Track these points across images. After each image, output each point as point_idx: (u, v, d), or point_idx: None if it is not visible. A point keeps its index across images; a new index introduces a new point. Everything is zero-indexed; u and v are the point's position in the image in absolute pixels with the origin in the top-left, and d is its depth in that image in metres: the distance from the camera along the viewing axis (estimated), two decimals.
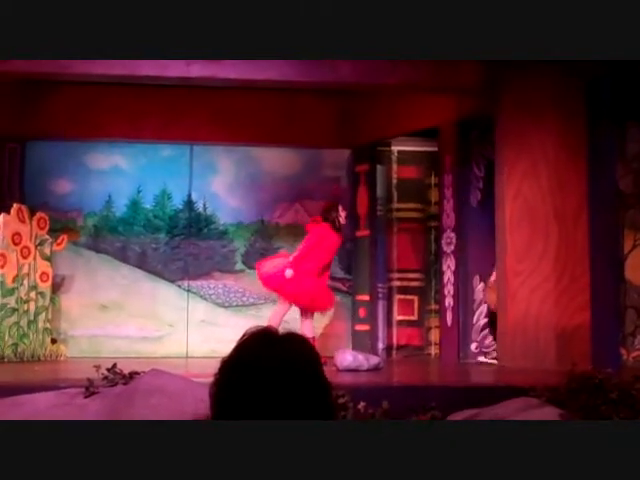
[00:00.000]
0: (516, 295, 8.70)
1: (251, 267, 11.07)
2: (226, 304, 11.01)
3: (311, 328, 9.03)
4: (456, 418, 5.59)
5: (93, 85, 9.97)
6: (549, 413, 5.30)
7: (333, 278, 11.15)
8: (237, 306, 11.04)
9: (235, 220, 11.12)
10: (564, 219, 8.70)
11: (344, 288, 11.16)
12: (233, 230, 11.12)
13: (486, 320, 9.66)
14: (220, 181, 11.07)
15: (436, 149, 10.45)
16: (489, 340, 9.60)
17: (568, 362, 6.41)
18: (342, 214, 9.23)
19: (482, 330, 9.67)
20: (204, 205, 11.07)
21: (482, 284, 9.68)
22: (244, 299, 11.07)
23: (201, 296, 10.97)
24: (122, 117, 10.51)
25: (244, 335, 2.02)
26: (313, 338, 8.75)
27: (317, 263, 9.08)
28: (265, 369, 1.92)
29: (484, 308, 9.65)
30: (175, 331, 10.71)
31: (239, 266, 11.10)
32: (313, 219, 9.62)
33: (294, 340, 2.01)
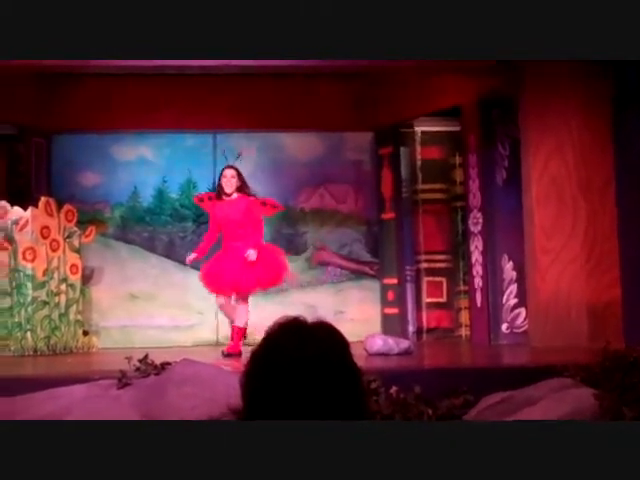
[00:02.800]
0: (546, 274, 8.68)
1: None
2: None
3: (244, 314, 8.41)
4: (489, 401, 5.58)
5: (115, 77, 10.00)
6: (583, 394, 5.28)
7: (360, 262, 11.17)
8: (264, 292, 11.06)
9: None
10: (591, 196, 8.67)
11: (371, 272, 11.15)
12: None
13: (516, 300, 9.61)
14: (244, 168, 11.00)
15: (459, 129, 10.41)
16: (520, 320, 9.56)
17: (601, 340, 6.39)
18: (227, 174, 8.56)
19: (512, 310, 9.64)
20: None
21: (511, 263, 9.64)
22: None
23: None
24: (144, 107, 10.53)
25: (273, 325, 2.03)
26: (244, 329, 8.35)
27: (226, 240, 8.54)
28: (295, 358, 1.93)
29: (514, 288, 9.61)
30: (205, 319, 10.74)
31: None
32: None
33: (323, 328, 2.02)
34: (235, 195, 8.55)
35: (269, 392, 1.92)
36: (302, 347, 1.94)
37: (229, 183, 8.53)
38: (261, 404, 1.93)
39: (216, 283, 8.49)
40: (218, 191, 8.62)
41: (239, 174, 8.60)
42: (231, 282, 8.38)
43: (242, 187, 8.57)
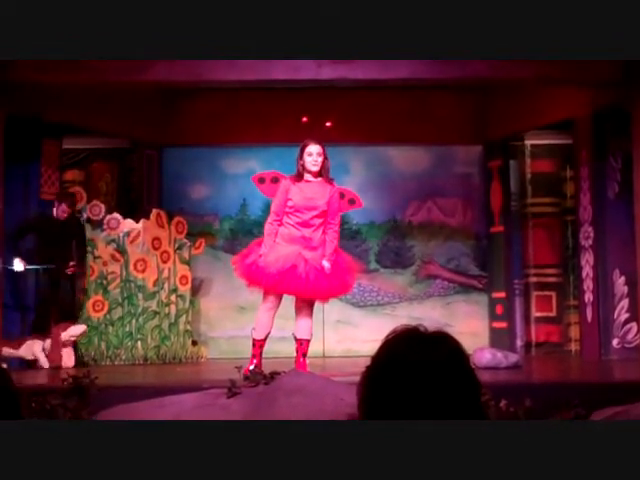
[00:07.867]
0: None
1: (385, 266, 11.09)
2: (361, 304, 11.04)
3: (311, 324, 7.34)
4: (603, 415, 5.46)
5: (226, 91, 10.14)
6: None
7: (468, 275, 11.09)
8: (372, 305, 11.06)
9: (367, 220, 11.13)
10: None
11: (479, 285, 11.06)
12: (366, 230, 11.15)
13: (628, 315, 9.42)
14: (352, 181, 11.08)
15: (570, 142, 10.26)
16: (631, 335, 9.37)
17: None
18: (313, 151, 6.94)
19: (624, 325, 9.44)
20: None
21: (623, 278, 9.45)
22: (379, 298, 11.08)
23: None
24: (255, 122, 10.66)
25: (391, 333, 1.99)
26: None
27: (295, 229, 7.15)
28: (415, 368, 1.90)
29: (625, 302, 9.42)
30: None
31: (373, 265, 11.11)
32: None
33: (443, 337, 1.98)
34: (318, 178, 7.01)
35: (389, 402, 1.90)
36: (425, 355, 1.91)
37: (315, 162, 6.91)
38: (382, 412, 1.91)
39: (288, 282, 7.02)
40: (300, 171, 6.97)
41: (325, 153, 6.98)
42: (312, 283, 6.99)
43: (326, 169, 7.01)
